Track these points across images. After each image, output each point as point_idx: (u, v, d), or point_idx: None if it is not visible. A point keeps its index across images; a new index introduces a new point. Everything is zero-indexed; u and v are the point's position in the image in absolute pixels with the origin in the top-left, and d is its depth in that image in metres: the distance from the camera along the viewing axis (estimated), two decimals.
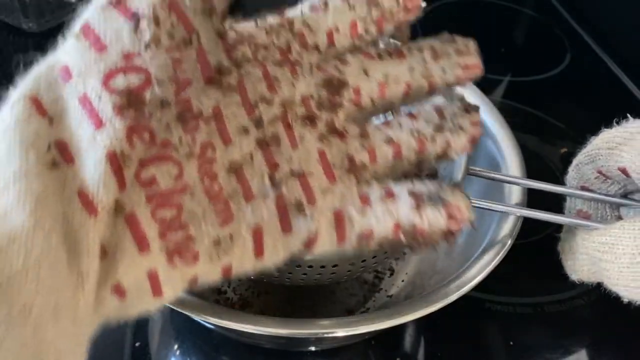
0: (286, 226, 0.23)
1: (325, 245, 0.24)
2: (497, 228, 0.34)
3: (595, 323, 0.41)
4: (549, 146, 0.54)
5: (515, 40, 0.70)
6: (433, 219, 0.24)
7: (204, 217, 0.21)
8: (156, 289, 0.21)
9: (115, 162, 0.20)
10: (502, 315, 0.40)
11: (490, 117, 0.39)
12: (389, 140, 0.26)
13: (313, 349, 0.38)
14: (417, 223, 0.24)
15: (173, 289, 0.21)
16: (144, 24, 0.21)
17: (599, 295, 0.42)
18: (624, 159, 0.28)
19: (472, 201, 0.30)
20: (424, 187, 0.25)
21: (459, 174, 0.32)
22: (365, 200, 0.24)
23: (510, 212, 0.33)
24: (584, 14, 0.70)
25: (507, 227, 0.33)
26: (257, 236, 0.22)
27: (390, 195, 0.25)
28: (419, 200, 0.24)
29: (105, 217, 0.20)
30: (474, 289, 0.30)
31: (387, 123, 0.27)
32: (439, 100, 0.28)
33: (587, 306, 0.41)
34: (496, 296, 0.41)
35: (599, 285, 0.43)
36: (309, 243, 0.24)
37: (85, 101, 0.20)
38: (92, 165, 0.20)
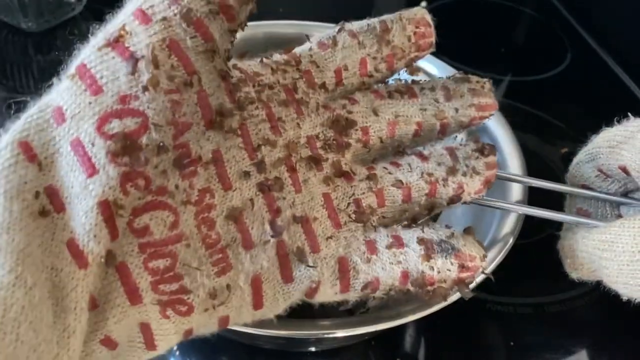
0: (287, 275, 0.22)
1: (327, 295, 0.23)
2: (498, 228, 0.34)
3: (596, 323, 0.41)
4: (549, 146, 0.53)
5: (515, 40, 0.70)
6: (443, 269, 0.23)
7: (200, 267, 0.21)
8: (149, 342, 0.20)
9: (108, 211, 0.19)
10: (502, 316, 0.40)
11: (490, 118, 0.39)
12: (398, 183, 0.25)
13: (313, 349, 0.38)
14: (426, 273, 0.23)
15: (167, 341, 0.21)
16: (142, 65, 0.20)
17: (599, 296, 0.42)
18: (624, 158, 0.28)
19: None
20: (434, 234, 0.24)
21: None
22: (371, 247, 0.23)
23: (511, 210, 0.33)
24: (585, 14, 0.69)
25: (508, 227, 0.33)
26: (256, 286, 0.22)
27: (398, 242, 0.24)
28: (429, 249, 0.24)
29: (95, 268, 0.19)
30: (474, 289, 0.30)
31: (396, 164, 0.26)
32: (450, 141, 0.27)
33: (588, 306, 0.41)
34: (496, 296, 0.41)
35: (600, 285, 0.43)
36: (311, 293, 0.23)
37: (78, 146, 0.19)
38: (82, 215, 0.19)
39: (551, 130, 0.56)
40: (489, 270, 0.31)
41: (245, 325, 0.28)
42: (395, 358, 0.38)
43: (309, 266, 0.22)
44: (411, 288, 0.23)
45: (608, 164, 0.30)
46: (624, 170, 0.29)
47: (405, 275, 0.23)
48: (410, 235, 0.24)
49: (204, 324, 0.22)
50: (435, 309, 0.29)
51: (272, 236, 0.22)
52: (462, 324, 0.40)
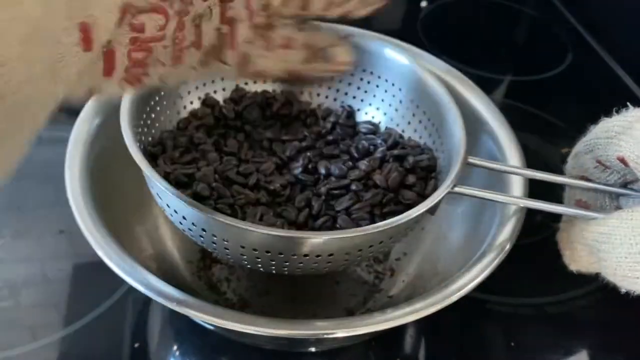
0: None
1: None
2: (498, 228, 0.33)
3: (597, 324, 0.41)
4: (549, 146, 0.53)
5: (516, 40, 0.70)
6: (318, 69, 0.33)
7: (164, 60, 0.26)
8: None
9: (124, 11, 0.23)
10: (503, 316, 0.40)
11: (491, 117, 0.39)
12: None
13: (313, 349, 0.38)
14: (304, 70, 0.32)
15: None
16: None
17: (600, 296, 0.42)
18: (622, 148, 0.28)
19: (474, 192, 0.31)
20: (320, 38, 0.32)
21: (456, 164, 0.31)
22: (267, 44, 0.30)
23: (511, 203, 0.33)
24: (585, 14, 0.69)
25: (508, 228, 0.33)
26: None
27: (287, 44, 0.31)
28: (310, 55, 0.32)
29: (96, 52, 0.23)
30: (474, 290, 0.30)
31: None
32: None
33: (588, 307, 0.41)
34: (497, 297, 0.41)
35: (600, 286, 0.43)
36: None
37: None
38: (105, 7, 0.22)
39: (551, 130, 0.56)
40: (488, 271, 0.31)
41: (246, 321, 0.28)
42: (395, 358, 0.38)
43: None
44: (289, 78, 0.33)
45: (606, 155, 0.29)
46: (622, 161, 0.28)
47: (287, 70, 0.32)
48: (300, 38, 0.31)
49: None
50: (435, 310, 0.29)
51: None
52: (463, 325, 0.40)
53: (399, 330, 0.39)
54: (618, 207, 0.31)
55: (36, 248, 0.42)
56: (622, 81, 0.61)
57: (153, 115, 0.35)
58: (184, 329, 0.39)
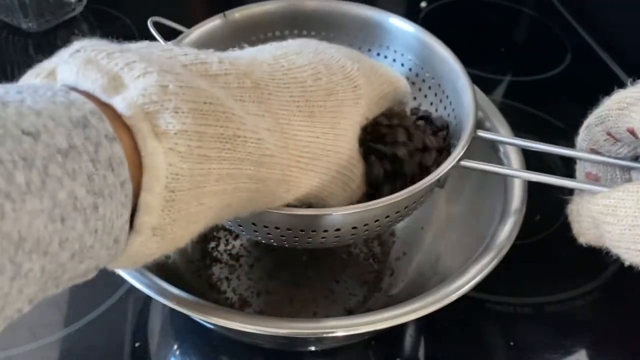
0: None
1: None
2: (498, 228, 0.34)
3: (595, 323, 0.41)
4: (548, 142, 0.53)
5: (515, 40, 0.70)
6: None
7: None
8: None
9: None
10: (502, 316, 0.40)
11: (490, 117, 0.39)
12: None
13: (313, 348, 0.38)
14: None
15: None
16: None
17: (598, 296, 0.42)
18: (633, 120, 0.27)
19: (482, 166, 0.31)
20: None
21: (465, 137, 0.31)
22: None
23: (520, 177, 0.33)
24: (585, 14, 0.69)
25: (508, 228, 0.33)
26: None
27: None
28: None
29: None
30: (474, 289, 0.30)
31: None
32: None
33: (587, 306, 0.41)
34: (496, 296, 0.41)
35: (599, 285, 0.43)
36: None
37: None
38: None
39: (551, 130, 0.56)
40: (487, 271, 0.31)
41: (246, 321, 0.28)
42: (395, 358, 0.38)
43: None
44: None
45: (617, 127, 0.29)
46: (633, 133, 0.28)
47: None
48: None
49: None
50: (435, 309, 0.29)
51: None
52: (462, 324, 0.40)
53: (399, 330, 0.39)
54: (629, 180, 0.31)
55: None
56: (621, 81, 0.61)
57: None
58: (184, 328, 0.39)
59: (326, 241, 0.31)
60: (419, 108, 0.38)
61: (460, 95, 0.34)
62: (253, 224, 0.30)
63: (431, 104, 0.38)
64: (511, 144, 0.34)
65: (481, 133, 0.32)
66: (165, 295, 0.28)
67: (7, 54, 0.59)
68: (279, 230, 0.30)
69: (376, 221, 0.30)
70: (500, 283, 0.41)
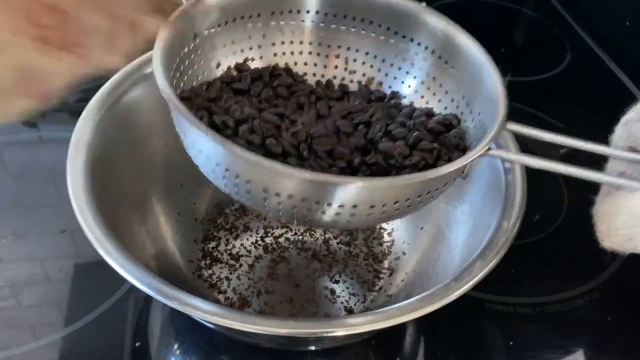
0: None
1: None
2: (497, 228, 0.34)
3: (595, 323, 0.41)
4: (548, 146, 0.53)
5: (515, 40, 0.70)
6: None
7: None
8: None
9: None
10: (502, 315, 0.41)
11: None
12: None
13: (313, 348, 0.38)
14: None
15: None
16: None
17: (598, 296, 0.42)
18: None
19: (513, 156, 0.31)
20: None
21: (495, 124, 0.30)
22: None
23: (553, 170, 0.30)
24: (584, 14, 0.70)
25: (507, 227, 0.33)
26: None
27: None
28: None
29: None
30: (473, 289, 0.30)
31: None
32: None
33: (587, 306, 0.42)
34: (496, 296, 0.41)
35: (598, 285, 0.43)
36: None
37: None
38: None
39: (551, 129, 0.56)
40: (487, 270, 0.31)
41: (246, 321, 0.28)
42: (395, 358, 0.38)
43: None
44: None
45: None
46: None
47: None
48: None
49: None
50: (434, 308, 0.29)
51: None
52: (462, 324, 0.40)
53: (398, 329, 0.39)
54: None
55: (38, 247, 0.43)
56: (620, 81, 0.61)
57: (182, 71, 0.33)
58: (184, 328, 0.39)
59: (339, 219, 0.28)
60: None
61: (487, 88, 0.33)
62: (264, 190, 0.27)
63: (452, 100, 0.36)
64: (542, 139, 0.32)
65: (511, 126, 0.31)
66: (166, 295, 0.28)
67: None
68: (291, 200, 0.27)
69: (395, 202, 0.28)
70: (500, 283, 0.42)
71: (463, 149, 0.33)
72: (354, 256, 0.43)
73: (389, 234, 0.44)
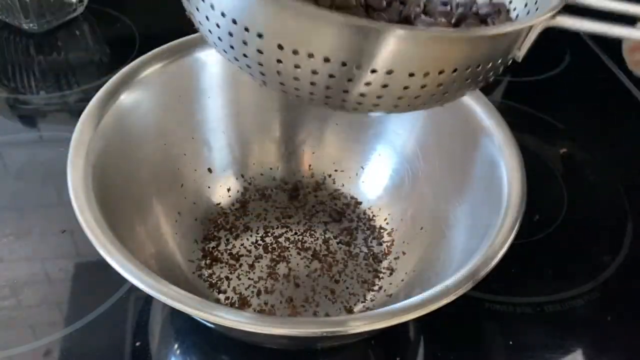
0: None
1: None
2: (497, 227, 0.34)
3: (595, 323, 0.41)
4: (548, 146, 0.54)
5: None
6: None
7: None
8: None
9: None
10: (501, 315, 0.41)
11: (489, 118, 0.39)
12: None
13: (313, 348, 0.38)
14: None
15: None
16: None
17: (598, 295, 0.42)
18: None
19: (581, 22, 0.28)
20: None
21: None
22: None
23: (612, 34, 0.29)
24: (584, 14, 0.70)
25: (507, 227, 0.33)
26: None
27: None
28: None
29: None
30: (473, 289, 0.30)
31: None
32: None
33: (586, 306, 0.42)
34: (496, 296, 0.41)
35: (598, 285, 0.43)
36: None
37: None
38: None
39: (550, 130, 0.56)
40: (486, 270, 0.31)
41: (246, 320, 0.28)
42: (395, 358, 0.38)
43: None
44: None
45: None
46: None
47: None
48: None
49: None
50: (434, 308, 0.29)
51: None
52: (462, 324, 0.40)
53: (399, 329, 0.39)
54: None
55: (38, 247, 0.43)
56: (620, 82, 0.61)
57: None
58: (184, 328, 0.39)
59: (369, 93, 0.23)
60: None
61: None
62: (279, 46, 0.22)
63: None
64: (608, 9, 0.30)
65: None
66: (166, 295, 0.28)
67: (8, 54, 0.59)
68: (312, 59, 0.22)
69: (440, 73, 0.23)
70: (500, 283, 0.42)
71: None
72: (354, 256, 0.43)
73: (389, 234, 0.44)
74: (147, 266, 0.30)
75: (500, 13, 0.30)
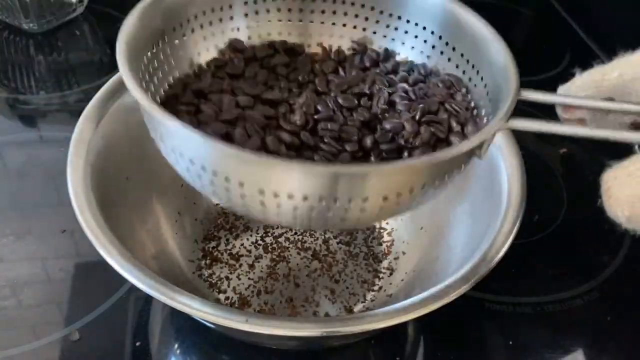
0: None
1: None
2: (497, 227, 0.34)
3: (595, 323, 0.41)
4: (548, 146, 0.54)
5: (515, 40, 0.70)
6: None
7: None
8: None
9: None
10: (501, 315, 0.41)
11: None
12: None
13: (313, 348, 0.38)
14: None
15: None
16: None
17: (597, 295, 0.42)
18: None
19: (534, 124, 0.29)
20: None
21: (509, 95, 0.29)
22: None
23: (573, 133, 0.30)
24: (584, 14, 0.70)
25: (507, 227, 0.33)
26: None
27: None
28: None
29: None
30: (473, 289, 0.30)
31: None
32: None
33: (586, 306, 0.42)
34: (496, 296, 0.41)
35: (599, 285, 0.43)
36: None
37: None
38: None
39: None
40: (486, 270, 0.31)
41: (246, 320, 0.28)
42: (395, 358, 0.38)
43: None
44: None
45: None
46: None
47: None
48: None
49: None
50: (434, 308, 0.29)
51: None
52: (462, 324, 0.40)
53: (399, 329, 0.40)
54: None
55: (38, 247, 0.43)
56: None
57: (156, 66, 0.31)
58: (184, 328, 0.39)
59: (349, 217, 0.26)
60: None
61: (495, 61, 0.31)
62: (260, 191, 0.25)
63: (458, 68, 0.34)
64: (561, 103, 0.32)
65: (526, 92, 0.29)
66: (166, 295, 0.28)
67: (8, 54, 0.59)
68: (291, 198, 0.25)
69: (411, 191, 0.26)
70: (500, 283, 0.42)
71: (472, 114, 0.31)
72: (354, 256, 0.43)
73: (389, 234, 0.44)
74: (147, 266, 0.30)
75: (457, 89, 0.32)
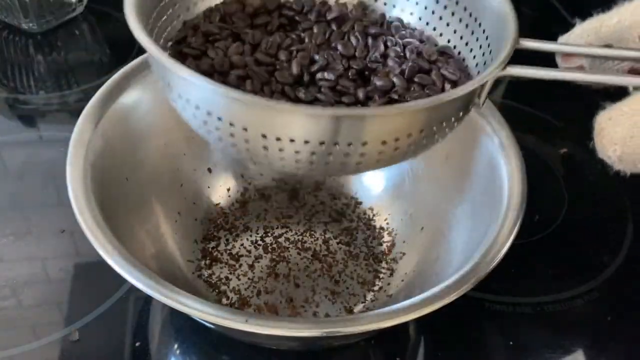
0: None
1: None
2: (497, 228, 0.34)
3: (595, 323, 0.41)
4: (549, 146, 0.54)
5: None
6: None
7: None
8: None
9: None
10: (501, 315, 0.41)
11: (490, 117, 0.39)
12: None
13: (313, 348, 0.38)
14: None
15: None
16: None
17: (597, 295, 0.42)
18: None
19: (530, 70, 0.28)
20: None
21: (508, 42, 0.28)
22: None
23: (573, 79, 0.30)
24: (584, 15, 0.69)
25: (507, 227, 0.33)
26: None
27: None
28: None
29: None
30: (473, 289, 0.30)
31: None
32: None
33: (586, 306, 0.42)
34: (496, 296, 0.41)
35: (599, 285, 0.43)
36: None
37: None
38: None
39: (551, 130, 0.56)
40: (487, 270, 0.31)
41: (246, 321, 0.28)
42: (395, 358, 0.38)
43: None
44: None
45: None
46: None
47: None
48: None
49: None
50: (434, 308, 0.29)
51: None
52: (462, 324, 0.40)
53: (399, 330, 0.39)
54: None
55: (38, 247, 0.43)
56: None
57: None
58: (184, 328, 0.39)
59: (349, 162, 0.26)
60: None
61: (496, 11, 0.31)
62: (263, 135, 0.25)
63: (456, 33, 0.34)
64: (560, 51, 0.31)
65: (525, 42, 0.29)
66: (165, 296, 0.28)
67: (8, 54, 0.59)
68: (293, 142, 0.25)
69: (409, 136, 0.26)
70: (500, 283, 0.42)
71: (467, 74, 0.31)
72: (354, 256, 0.43)
73: (389, 234, 0.44)
74: (147, 266, 0.30)
75: (451, 58, 0.32)
